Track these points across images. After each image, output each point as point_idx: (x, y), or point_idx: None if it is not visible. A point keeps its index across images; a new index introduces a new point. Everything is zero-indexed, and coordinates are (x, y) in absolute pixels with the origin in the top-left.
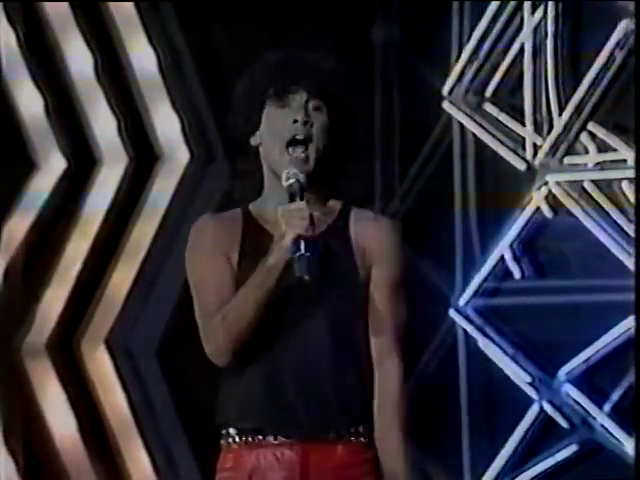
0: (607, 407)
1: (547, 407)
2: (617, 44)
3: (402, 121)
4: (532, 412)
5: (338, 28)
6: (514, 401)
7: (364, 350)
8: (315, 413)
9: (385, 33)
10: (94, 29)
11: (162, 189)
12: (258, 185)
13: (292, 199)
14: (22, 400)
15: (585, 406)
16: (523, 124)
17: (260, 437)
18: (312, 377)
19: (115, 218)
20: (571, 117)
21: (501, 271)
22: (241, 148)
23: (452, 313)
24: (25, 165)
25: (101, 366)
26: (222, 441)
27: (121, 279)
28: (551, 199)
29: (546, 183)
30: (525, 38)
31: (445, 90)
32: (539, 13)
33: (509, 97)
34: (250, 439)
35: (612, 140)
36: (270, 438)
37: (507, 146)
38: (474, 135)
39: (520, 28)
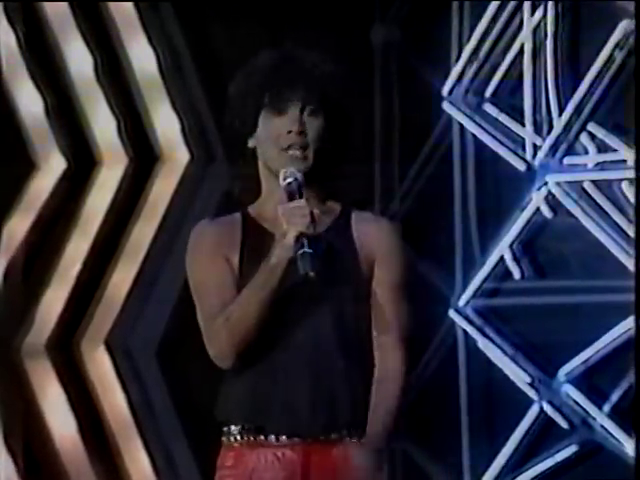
0: (607, 407)
1: (547, 407)
2: (617, 44)
3: (402, 122)
4: (532, 412)
5: (337, 29)
6: (514, 401)
7: (368, 350)
8: (317, 413)
9: (385, 34)
10: (94, 29)
11: (162, 190)
12: (256, 187)
13: (291, 198)
14: (22, 401)
15: (585, 406)
16: (523, 124)
17: (262, 437)
18: (315, 377)
19: (115, 218)
20: (571, 117)
21: (501, 271)
22: (238, 149)
23: (452, 313)
24: (25, 165)
25: (101, 366)
26: (223, 438)
27: (121, 279)
28: (551, 199)
29: (546, 183)
30: (525, 38)
31: (445, 90)
32: (539, 13)
33: (509, 97)
34: (252, 438)
35: (612, 140)
36: (271, 438)
37: (507, 146)
38: (474, 135)
39: (520, 28)
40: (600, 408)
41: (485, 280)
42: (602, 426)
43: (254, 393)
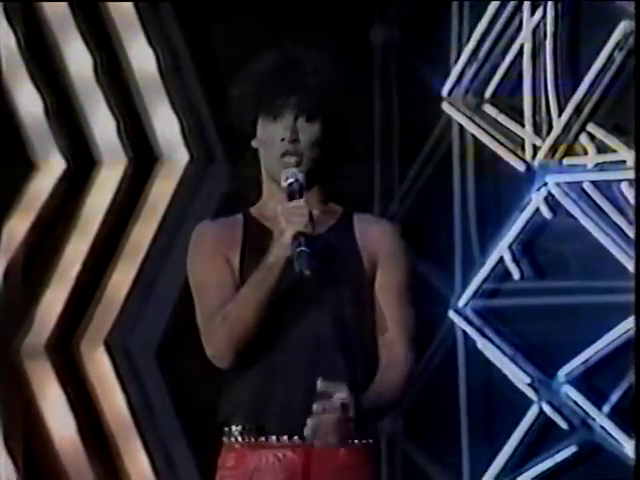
0: (606, 408)
1: (546, 408)
2: (616, 45)
3: (401, 122)
4: (531, 413)
5: (337, 29)
6: (513, 402)
7: (369, 350)
8: None
9: (384, 34)
10: (93, 30)
11: (161, 190)
12: (258, 188)
13: (292, 198)
14: (22, 401)
15: (584, 407)
16: (522, 125)
17: (262, 438)
18: (315, 377)
19: (114, 219)
20: (570, 118)
21: (500, 272)
22: (241, 149)
23: (451, 314)
24: (24, 166)
25: (100, 367)
26: (224, 438)
27: (120, 280)
28: (550, 200)
29: (545, 184)
30: (524, 39)
31: (444, 91)
32: (538, 14)
33: (508, 98)
34: (252, 439)
35: (611, 141)
36: (272, 439)
37: (506, 147)
38: (473, 136)
39: (519, 29)
40: (600, 409)
41: (484, 281)
42: (602, 427)
43: (255, 393)
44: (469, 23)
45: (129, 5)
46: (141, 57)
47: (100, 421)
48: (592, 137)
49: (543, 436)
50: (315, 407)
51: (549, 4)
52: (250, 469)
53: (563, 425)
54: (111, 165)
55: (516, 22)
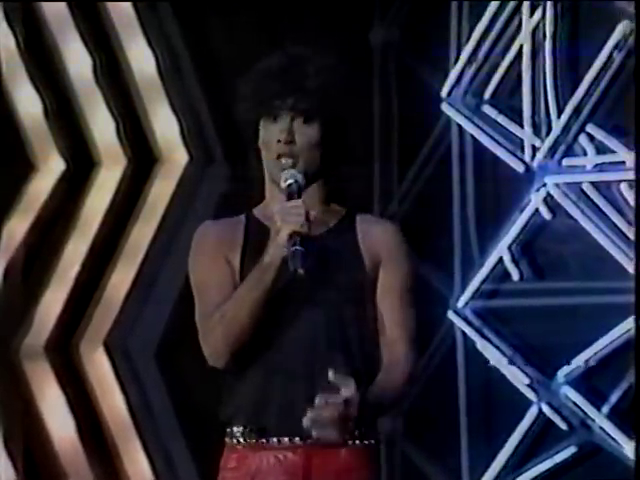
0: (606, 409)
1: (546, 409)
2: (616, 46)
3: (400, 123)
4: (531, 414)
5: (336, 30)
6: (513, 403)
7: (369, 351)
8: None
9: (384, 35)
10: (92, 31)
11: (161, 191)
12: (260, 189)
13: (290, 199)
14: (21, 402)
15: (584, 408)
16: (522, 126)
17: (263, 439)
18: (316, 379)
19: (114, 220)
20: (570, 119)
21: (499, 273)
22: (245, 149)
23: (450, 315)
24: (24, 167)
25: (100, 368)
26: (226, 439)
27: (120, 281)
28: (549, 201)
29: (544, 185)
30: (524, 40)
31: (444, 92)
32: (538, 14)
33: (508, 99)
34: (254, 440)
35: (611, 142)
36: (273, 440)
37: (506, 148)
38: (473, 137)
39: (519, 30)
40: (599, 409)
41: (484, 281)
42: (601, 427)
43: (255, 394)
44: (468, 24)
45: (128, 6)
46: (140, 58)
47: (99, 422)
48: (591, 138)
49: (542, 437)
50: (318, 399)
51: (548, 5)
52: (252, 470)
53: (562, 426)
54: (110, 166)
55: (515, 23)
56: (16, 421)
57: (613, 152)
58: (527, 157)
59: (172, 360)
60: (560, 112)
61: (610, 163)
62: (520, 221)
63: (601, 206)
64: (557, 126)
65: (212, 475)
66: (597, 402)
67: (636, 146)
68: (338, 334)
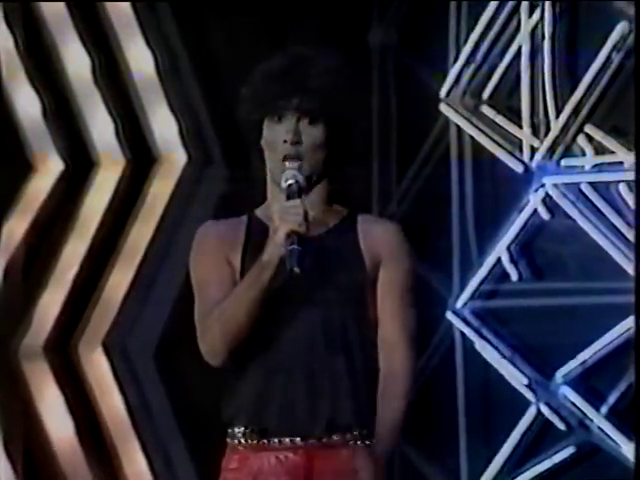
0: (604, 409)
1: (544, 409)
2: (614, 46)
3: (399, 123)
4: (529, 414)
5: (335, 30)
6: (511, 403)
7: (370, 351)
8: (319, 416)
9: (382, 35)
10: (91, 31)
11: (159, 191)
12: (262, 189)
13: (290, 199)
14: (20, 402)
15: (582, 408)
16: (520, 126)
17: (265, 440)
18: (315, 378)
19: (112, 220)
20: (568, 119)
21: (498, 273)
22: (247, 149)
23: (449, 315)
24: (22, 167)
25: (98, 368)
26: (228, 440)
27: (118, 281)
28: (548, 201)
29: (543, 185)
30: (522, 40)
31: (442, 92)
32: (536, 15)
33: (506, 99)
34: (255, 441)
35: (609, 142)
36: (274, 441)
37: (504, 148)
38: (471, 137)
39: (517, 30)
40: (597, 410)
41: (482, 282)
42: (599, 428)
43: (256, 395)
44: (467, 24)
45: (127, 6)
46: (139, 58)
47: (98, 422)
48: (590, 138)
49: (541, 437)
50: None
51: (547, 5)
52: (253, 471)
53: (561, 426)
54: (109, 166)
55: (514, 23)
56: (15, 421)
57: (612, 152)
58: (526, 157)
59: (171, 360)
60: (559, 112)
61: (609, 163)
62: (519, 221)
63: (599, 206)
64: (556, 126)
65: (211, 475)
66: (595, 402)
67: (636, 146)
68: (338, 334)
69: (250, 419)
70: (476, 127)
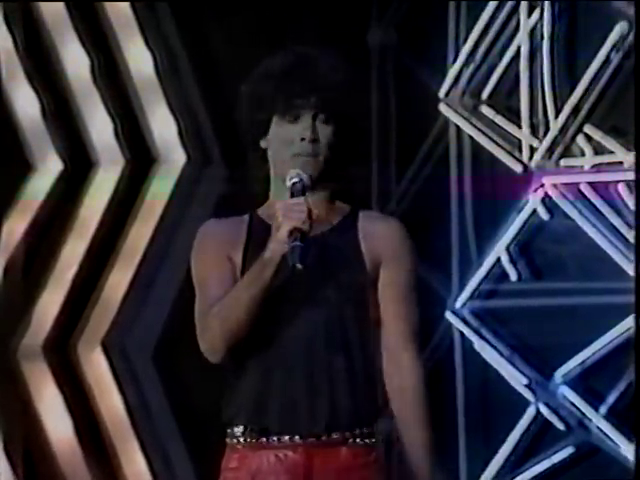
0: (603, 409)
1: (543, 409)
2: (613, 46)
3: (398, 123)
4: (528, 414)
5: (334, 30)
6: (510, 403)
7: (370, 350)
8: (319, 414)
9: (381, 35)
10: (90, 31)
11: (159, 191)
12: (265, 188)
13: (293, 197)
14: (19, 402)
15: (581, 408)
16: (519, 126)
17: (264, 438)
18: (316, 378)
19: (112, 220)
20: (567, 119)
21: (497, 273)
22: (248, 149)
23: (448, 315)
24: (22, 167)
25: (97, 368)
26: (227, 440)
27: (118, 281)
28: (547, 201)
29: (542, 185)
30: (521, 40)
31: (441, 92)
32: (535, 15)
33: (505, 99)
34: (254, 440)
35: (609, 142)
36: (273, 439)
37: (503, 148)
38: (470, 137)
39: (516, 30)
40: (596, 410)
41: (482, 282)
42: (598, 428)
43: (255, 394)
44: (466, 24)
45: (126, 6)
46: (138, 58)
47: (97, 422)
48: (589, 138)
49: (540, 437)
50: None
51: (546, 5)
52: (252, 470)
53: (560, 426)
54: (108, 166)
55: (513, 23)
56: (15, 421)
57: (611, 152)
58: (525, 157)
59: (170, 360)
60: (558, 112)
61: (608, 164)
62: (518, 221)
63: (599, 207)
64: (555, 126)
65: (210, 475)
66: (595, 402)
67: (635, 146)
68: (338, 333)
69: (250, 418)
70: (475, 127)
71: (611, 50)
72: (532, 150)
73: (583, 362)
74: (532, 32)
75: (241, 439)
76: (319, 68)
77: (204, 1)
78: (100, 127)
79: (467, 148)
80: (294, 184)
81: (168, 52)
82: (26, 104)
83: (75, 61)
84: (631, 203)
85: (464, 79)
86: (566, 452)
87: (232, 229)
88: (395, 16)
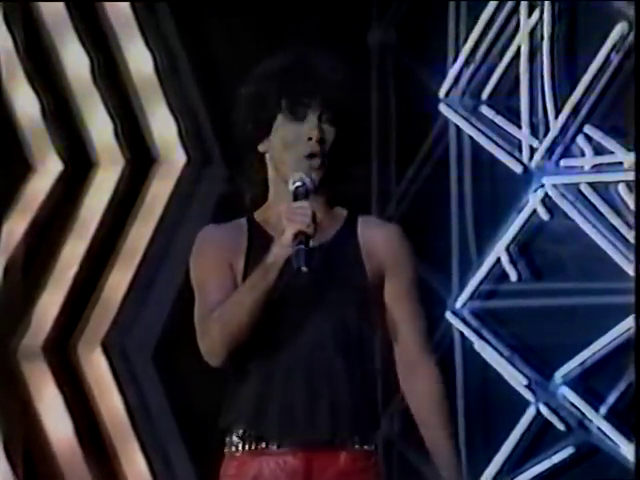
0: (603, 409)
1: (543, 409)
2: (613, 47)
3: (398, 123)
4: (528, 414)
5: (334, 31)
6: (510, 403)
7: (370, 355)
8: (319, 420)
9: (381, 35)
10: (90, 31)
11: (158, 192)
12: (263, 192)
13: (297, 200)
14: (19, 403)
15: (581, 408)
16: (519, 127)
17: (263, 444)
18: (315, 383)
19: (111, 221)
20: (567, 119)
21: (497, 273)
22: (247, 153)
23: (448, 315)
24: (21, 167)
25: (97, 369)
26: (226, 449)
27: (117, 282)
28: (547, 201)
29: (542, 186)
30: (521, 40)
31: (441, 92)
32: (535, 15)
33: (505, 99)
34: (253, 446)
35: (608, 143)
36: (273, 446)
37: (503, 149)
38: (470, 138)
39: (516, 30)
40: (597, 410)
41: (482, 282)
42: (598, 428)
43: (255, 400)
44: (466, 24)
45: (126, 6)
46: (138, 58)
47: (97, 423)
48: (589, 139)
49: (540, 437)
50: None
51: (546, 5)
52: (251, 476)
53: (560, 426)
54: (108, 166)
55: (513, 23)
56: (15, 422)
57: (611, 153)
58: (525, 158)
59: (170, 361)
60: (558, 113)
61: (608, 164)
62: (518, 222)
63: (599, 207)
64: (555, 127)
65: (210, 476)
66: (595, 403)
67: (635, 146)
68: (340, 339)
69: (249, 424)
70: (475, 127)
71: (611, 50)
72: (532, 150)
73: (583, 362)
74: (532, 32)
75: (239, 446)
76: (320, 67)
77: (204, 1)
78: (100, 127)
79: (467, 148)
80: (297, 188)
81: (168, 52)
82: (26, 104)
83: (75, 61)
84: (631, 203)
85: (464, 79)
86: (566, 452)
87: (232, 236)
88: (395, 16)
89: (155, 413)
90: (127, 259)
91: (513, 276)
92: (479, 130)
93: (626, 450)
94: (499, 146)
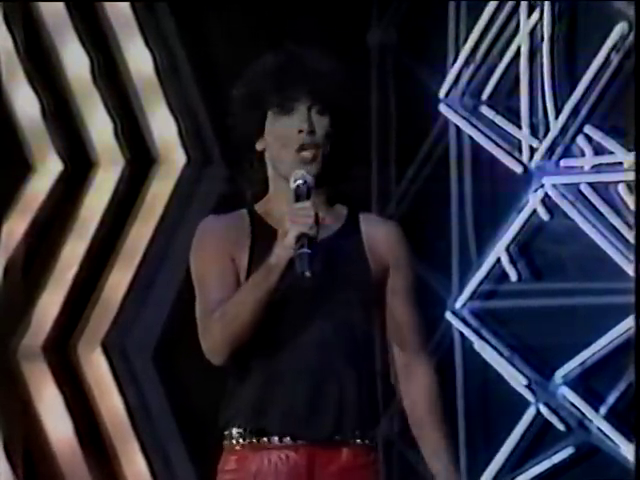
0: (603, 410)
1: (543, 410)
2: (613, 47)
3: (398, 123)
4: (528, 415)
5: (334, 30)
6: (510, 404)
7: (371, 352)
8: (321, 415)
9: (381, 35)
10: (90, 31)
11: (159, 192)
12: (264, 190)
13: (298, 200)
14: (19, 403)
15: (581, 409)
16: (519, 127)
17: (265, 439)
18: (318, 379)
19: (111, 221)
20: (567, 120)
21: (497, 274)
22: (245, 153)
23: (448, 315)
24: (21, 167)
25: (97, 369)
26: (225, 442)
27: (117, 282)
28: (547, 202)
29: (542, 186)
30: (521, 40)
31: (441, 92)
32: (535, 15)
33: (505, 100)
34: (255, 441)
35: (608, 143)
36: (275, 440)
37: (503, 149)
38: (470, 138)
39: (516, 31)
40: (597, 410)
41: (482, 282)
42: (598, 428)
43: (257, 395)
44: (466, 24)
45: (126, 6)
46: (138, 58)
47: (97, 423)
48: (589, 139)
49: (540, 438)
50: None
51: (546, 5)
52: (252, 471)
53: (560, 427)
54: (108, 167)
55: (513, 24)
56: (14, 422)
57: (611, 153)
58: (525, 158)
59: (170, 361)
60: (558, 113)
61: (608, 164)
62: (518, 222)
63: (599, 207)
64: (555, 127)
65: (210, 476)
66: (595, 403)
67: (636, 147)
68: (343, 337)
69: (248, 419)
70: (475, 127)
71: (611, 50)
72: (532, 150)
73: (583, 362)
74: (532, 32)
75: (240, 440)
76: (309, 61)
77: (204, 1)
78: (100, 127)
79: (467, 148)
80: (298, 186)
81: (168, 52)
82: (26, 104)
83: (75, 61)
84: (631, 203)
85: (464, 79)
86: (566, 452)
87: (233, 228)
88: (395, 16)
89: (155, 413)
90: (127, 259)
91: (513, 276)
92: (479, 130)
93: (626, 450)
94: (499, 146)
